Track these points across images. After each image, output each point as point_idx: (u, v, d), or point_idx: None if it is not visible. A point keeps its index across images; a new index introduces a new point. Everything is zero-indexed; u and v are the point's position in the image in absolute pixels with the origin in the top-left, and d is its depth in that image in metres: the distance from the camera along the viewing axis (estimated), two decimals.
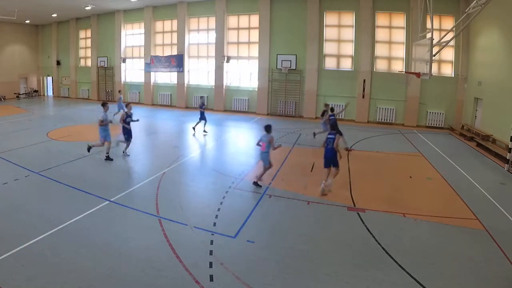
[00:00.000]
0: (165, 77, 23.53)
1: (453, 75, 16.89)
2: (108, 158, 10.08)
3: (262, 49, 19.73)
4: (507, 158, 10.01)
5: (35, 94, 29.31)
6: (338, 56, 18.80)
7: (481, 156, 11.77)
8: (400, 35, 17.61)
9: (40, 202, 6.97)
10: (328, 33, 18.71)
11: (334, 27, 18.64)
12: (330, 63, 18.92)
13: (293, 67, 18.84)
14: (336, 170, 8.01)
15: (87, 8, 22.33)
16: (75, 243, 5.35)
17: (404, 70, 16.61)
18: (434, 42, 9.97)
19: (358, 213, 6.75)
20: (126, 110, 10.73)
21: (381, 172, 9.47)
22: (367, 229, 6.09)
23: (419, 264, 5.00)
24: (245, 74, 21.08)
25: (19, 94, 27.93)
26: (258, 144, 8.12)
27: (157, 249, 5.24)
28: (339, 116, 10.80)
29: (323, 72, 18.83)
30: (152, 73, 23.60)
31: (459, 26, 12.61)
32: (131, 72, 25.24)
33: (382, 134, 14.93)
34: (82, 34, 27.44)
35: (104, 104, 10.49)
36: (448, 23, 16.47)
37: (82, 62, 27.84)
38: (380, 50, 18.01)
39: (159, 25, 23.45)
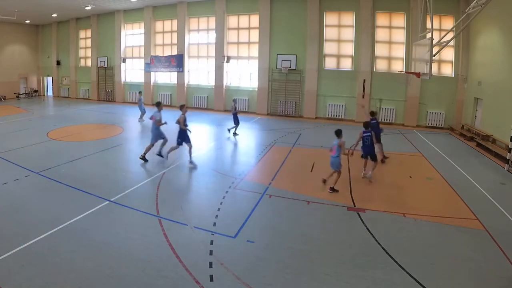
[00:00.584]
0: (165, 77, 23.52)
1: (453, 75, 16.88)
2: (143, 158, 9.97)
3: (262, 49, 19.72)
4: (507, 158, 10.01)
5: (35, 94, 29.30)
6: (338, 56, 18.80)
7: (481, 156, 11.77)
8: (400, 35, 17.61)
9: (40, 202, 6.97)
10: (328, 33, 18.70)
11: (334, 27, 18.63)
12: (330, 63, 18.92)
13: (293, 67, 18.83)
14: (374, 162, 8.76)
15: (87, 8, 22.32)
16: (75, 243, 5.35)
17: (404, 70, 16.61)
18: (434, 42, 9.97)
19: (358, 213, 6.75)
20: (182, 112, 9.81)
21: (381, 172, 9.46)
22: (367, 229, 6.09)
23: (419, 264, 5.00)
24: (245, 74, 21.08)
25: (19, 94, 27.92)
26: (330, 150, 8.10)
27: (157, 249, 5.25)
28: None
29: (323, 72, 18.82)
30: (152, 73, 23.59)
31: (459, 26, 12.61)
32: (131, 72, 25.23)
33: (382, 134, 14.87)
34: (82, 34, 27.42)
35: (158, 104, 10.39)
36: (448, 23, 16.47)
37: (82, 62, 27.83)
38: (380, 50, 18.01)
39: (159, 25, 23.44)
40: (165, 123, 9.96)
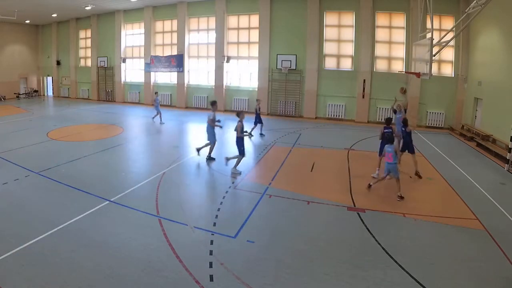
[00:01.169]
0: (165, 77, 23.51)
1: (453, 75, 16.88)
2: (209, 158, 10.10)
3: (262, 49, 19.72)
4: (507, 158, 10.01)
5: (35, 94, 29.30)
6: (338, 56, 18.80)
7: (481, 156, 11.77)
8: (400, 35, 17.60)
9: (40, 202, 6.97)
10: (328, 33, 18.70)
11: (334, 27, 18.63)
12: (330, 63, 18.91)
13: (293, 67, 18.83)
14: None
15: (87, 8, 22.32)
16: (75, 243, 5.35)
17: (404, 70, 16.61)
18: (434, 42, 9.96)
19: (358, 213, 6.75)
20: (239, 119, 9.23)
21: (381, 172, 9.43)
22: (367, 229, 6.09)
23: (419, 264, 5.00)
24: (245, 74, 21.07)
25: (19, 94, 27.92)
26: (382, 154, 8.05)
27: (157, 249, 5.24)
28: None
29: (323, 72, 18.82)
30: (152, 73, 23.58)
31: (459, 26, 12.61)
32: (131, 72, 25.22)
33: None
34: (82, 34, 27.42)
35: (213, 103, 10.39)
36: (448, 23, 16.47)
37: (82, 62, 27.83)
38: (380, 50, 18.01)
39: (159, 25, 23.44)
40: (219, 121, 10.15)
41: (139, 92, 24.60)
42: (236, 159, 9.08)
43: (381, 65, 18.08)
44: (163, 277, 4.56)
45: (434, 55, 9.98)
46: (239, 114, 9.18)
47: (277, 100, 19.75)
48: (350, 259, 5.13)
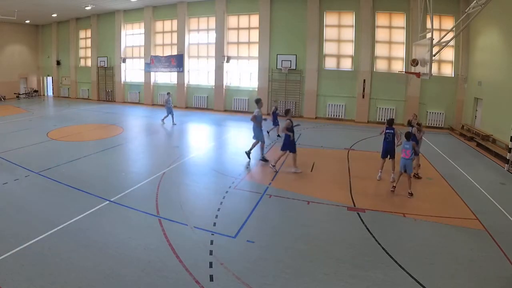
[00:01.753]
0: (165, 77, 23.52)
1: (453, 75, 16.89)
2: (264, 160, 10.07)
3: (262, 49, 19.72)
4: (507, 158, 10.01)
5: (35, 94, 29.31)
6: (338, 56, 18.80)
7: (481, 156, 11.77)
8: (400, 35, 17.61)
9: (40, 202, 6.97)
10: (328, 33, 18.70)
11: (334, 27, 18.63)
12: (330, 63, 18.92)
13: (293, 67, 18.83)
14: (393, 160, 8.69)
15: (87, 8, 22.32)
16: (75, 243, 5.35)
17: (404, 70, 16.61)
18: (434, 42, 9.95)
19: (358, 213, 6.75)
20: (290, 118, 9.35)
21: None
22: (367, 229, 6.09)
23: (419, 264, 5.00)
24: (245, 74, 21.07)
25: (19, 94, 27.93)
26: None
27: (157, 249, 5.24)
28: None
29: (323, 72, 18.82)
30: (152, 73, 23.59)
31: (459, 26, 12.60)
32: (131, 72, 25.22)
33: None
34: (82, 34, 27.42)
35: (258, 101, 10.31)
36: (448, 23, 16.48)
37: (82, 62, 27.83)
38: (380, 50, 18.01)
39: (159, 25, 23.44)
40: (265, 119, 10.23)
41: (139, 92, 24.60)
42: (292, 160, 9.24)
43: (381, 65, 18.08)
44: (163, 277, 4.56)
45: (434, 55, 9.98)
46: (287, 112, 9.52)
47: (277, 100, 19.72)
48: (350, 259, 5.13)
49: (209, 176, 9.08)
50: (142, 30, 23.69)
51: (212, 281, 4.51)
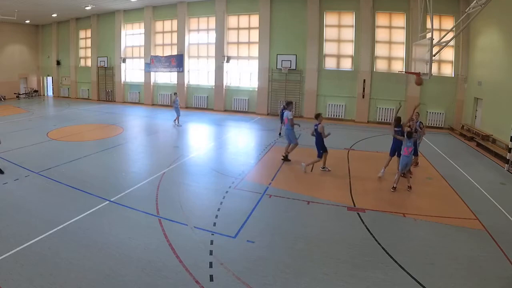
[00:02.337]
0: (165, 77, 23.52)
1: (453, 75, 16.88)
2: (285, 159, 10.09)
3: (262, 49, 19.72)
4: (507, 158, 10.00)
5: (35, 94, 29.28)
6: (338, 56, 18.80)
7: (481, 156, 11.77)
8: (400, 35, 17.60)
9: (40, 202, 6.97)
10: (328, 33, 18.70)
11: (334, 27, 18.63)
12: (330, 63, 18.92)
13: (293, 67, 18.83)
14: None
15: (87, 8, 22.32)
16: (75, 243, 5.35)
17: (404, 70, 16.61)
18: (434, 42, 9.95)
19: (358, 213, 6.75)
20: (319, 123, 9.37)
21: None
22: (367, 229, 6.09)
23: (419, 264, 5.00)
24: (245, 74, 21.07)
25: (19, 94, 27.92)
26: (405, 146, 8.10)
27: (157, 249, 5.25)
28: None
29: (323, 72, 18.82)
30: (152, 73, 23.58)
31: (459, 26, 12.61)
32: (131, 72, 25.22)
33: (382, 134, 14.91)
34: (82, 34, 27.41)
35: (289, 103, 10.39)
36: (448, 23, 16.47)
37: (82, 62, 27.83)
38: (380, 50, 18.01)
39: (159, 25, 23.44)
40: (298, 125, 10.42)
41: (139, 92, 24.60)
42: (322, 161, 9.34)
43: (381, 65, 18.08)
44: (163, 277, 4.56)
45: (434, 55, 9.97)
46: (318, 116, 9.50)
47: (277, 100, 19.72)
48: (350, 259, 5.13)
49: (209, 176, 9.08)
50: (142, 30, 23.69)
51: (212, 281, 4.51)
